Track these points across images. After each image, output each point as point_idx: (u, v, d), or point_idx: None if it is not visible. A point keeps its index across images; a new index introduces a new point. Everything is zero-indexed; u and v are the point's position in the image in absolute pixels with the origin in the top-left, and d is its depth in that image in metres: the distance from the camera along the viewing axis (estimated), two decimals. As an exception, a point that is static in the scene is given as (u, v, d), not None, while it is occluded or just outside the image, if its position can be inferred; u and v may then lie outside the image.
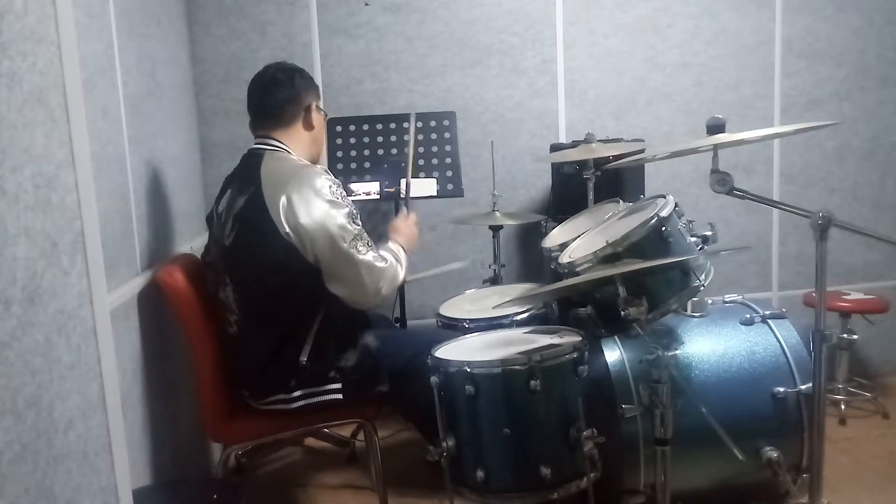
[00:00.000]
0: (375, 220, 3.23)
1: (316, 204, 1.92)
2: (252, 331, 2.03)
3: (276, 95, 2.10)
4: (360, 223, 2.01)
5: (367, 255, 1.97)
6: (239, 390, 2.10)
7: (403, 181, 2.65)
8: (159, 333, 2.10)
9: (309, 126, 2.14)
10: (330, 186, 1.96)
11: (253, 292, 2.01)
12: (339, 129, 2.90)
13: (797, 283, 3.34)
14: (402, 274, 2.10)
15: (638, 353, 1.94)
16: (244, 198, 1.99)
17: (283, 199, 1.92)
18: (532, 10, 3.15)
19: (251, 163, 2.05)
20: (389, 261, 2.05)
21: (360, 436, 2.74)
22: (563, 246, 2.15)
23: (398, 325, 2.85)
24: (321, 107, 2.21)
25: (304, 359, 1.98)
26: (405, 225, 2.31)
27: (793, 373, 2.02)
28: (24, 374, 0.87)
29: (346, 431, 2.81)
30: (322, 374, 2.02)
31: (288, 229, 1.91)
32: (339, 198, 1.98)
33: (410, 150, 2.63)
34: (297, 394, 2.01)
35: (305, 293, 1.99)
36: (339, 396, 2.02)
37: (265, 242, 1.93)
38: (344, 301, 2.00)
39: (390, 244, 2.18)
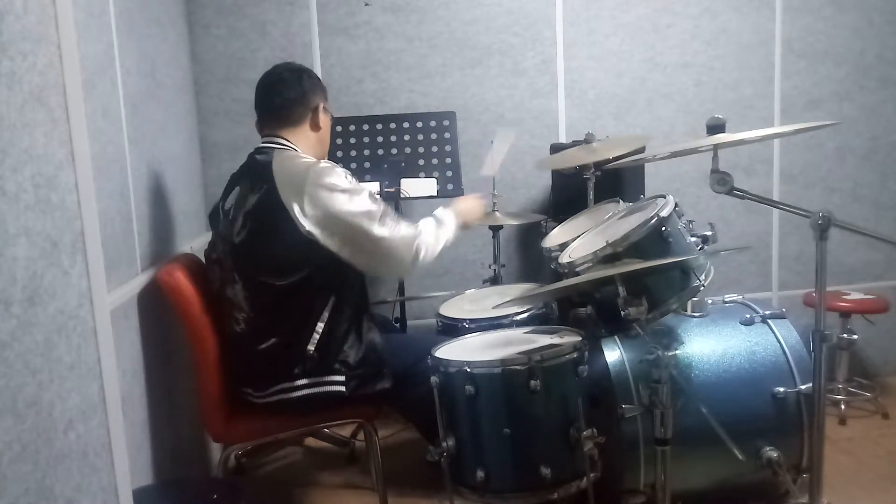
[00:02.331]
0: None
1: (335, 198, 1.94)
2: (262, 327, 2.02)
3: (284, 95, 2.11)
4: (382, 201, 2.04)
5: (398, 229, 2.00)
6: (240, 389, 2.09)
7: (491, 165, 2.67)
8: (159, 333, 2.10)
9: (316, 126, 2.15)
10: (345, 176, 1.99)
11: (264, 289, 2.01)
12: (339, 128, 2.90)
13: (797, 283, 3.34)
14: (445, 238, 2.13)
15: (638, 353, 1.94)
16: (256, 196, 1.99)
17: (304, 200, 1.93)
18: (532, 10, 3.16)
19: (260, 161, 2.04)
20: (421, 227, 2.07)
21: (360, 436, 2.74)
22: (563, 246, 2.15)
23: (398, 324, 2.85)
24: (328, 107, 2.22)
25: (311, 348, 1.99)
26: (471, 200, 2.36)
27: (793, 373, 2.02)
28: (24, 374, 0.87)
29: (346, 431, 2.81)
30: (327, 365, 2.01)
31: (310, 227, 1.93)
32: (356, 184, 2.00)
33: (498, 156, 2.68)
34: (300, 382, 2.00)
35: (317, 287, 2.00)
36: (342, 389, 2.01)
37: (281, 239, 1.94)
38: (388, 275, 2.01)
39: (440, 209, 2.21)
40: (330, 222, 1.93)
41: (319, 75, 3.03)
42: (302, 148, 2.11)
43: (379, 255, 1.99)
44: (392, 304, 2.90)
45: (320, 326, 2.00)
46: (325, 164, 2.02)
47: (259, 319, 2.03)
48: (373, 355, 2.05)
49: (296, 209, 1.93)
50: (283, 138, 2.10)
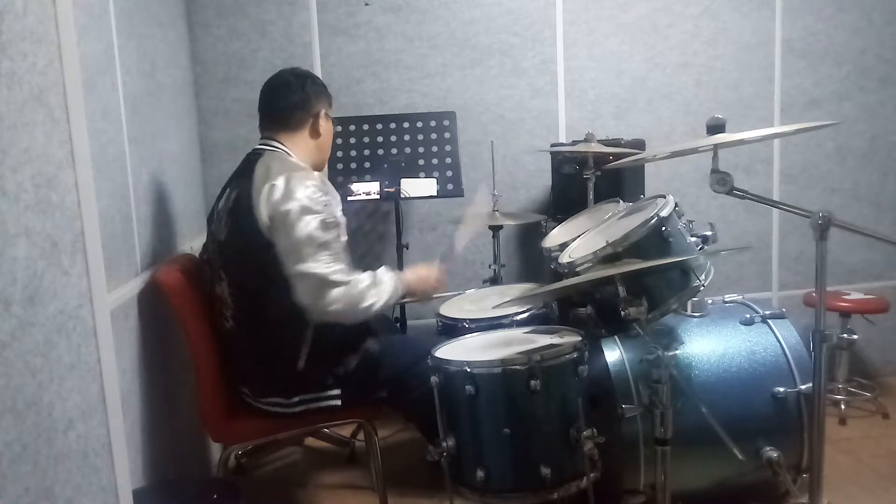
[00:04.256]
0: (375, 220, 3.23)
1: (290, 207, 1.90)
2: (246, 325, 2.02)
3: (287, 98, 2.11)
4: (335, 234, 1.95)
5: (327, 267, 1.90)
6: (238, 388, 2.09)
7: (457, 241, 2.47)
8: (159, 333, 2.10)
9: (315, 133, 2.14)
10: (313, 193, 1.94)
11: (245, 286, 2.01)
12: (339, 128, 2.90)
13: (797, 283, 3.34)
14: (372, 301, 1.96)
15: (638, 353, 1.94)
16: (236, 192, 2.01)
17: (266, 187, 1.92)
18: (532, 10, 3.15)
19: (250, 160, 2.06)
20: (355, 280, 1.94)
21: (360, 436, 2.74)
22: (563, 246, 2.15)
23: (398, 324, 2.85)
24: (330, 115, 2.20)
25: (301, 364, 1.98)
26: (426, 270, 2.19)
27: (793, 373, 2.02)
28: (24, 374, 0.87)
29: (346, 431, 2.81)
30: (320, 381, 2.01)
31: (265, 217, 1.90)
32: (319, 206, 1.93)
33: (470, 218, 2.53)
34: (295, 399, 2.01)
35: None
36: (338, 403, 2.02)
37: (249, 236, 1.94)
38: (301, 305, 1.93)
39: (391, 272, 2.07)
40: (275, 222, 1.90)
41: (319, 75, 3.06)
42: (298, 153, 2.10)
43: (295, 280, 1.92)
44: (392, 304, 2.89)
45: (308, 341, 1.98)
46: (303, 173, 1.98)
47: (245, 316, 2.02)
48: (367, 365, 2.03)
49: (259, 202, 1.92)
50: (278, 141, 2.09)
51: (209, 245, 2.13)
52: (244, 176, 2.01)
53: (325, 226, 1.93)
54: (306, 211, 1.91)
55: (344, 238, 2.03)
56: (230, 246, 2.02)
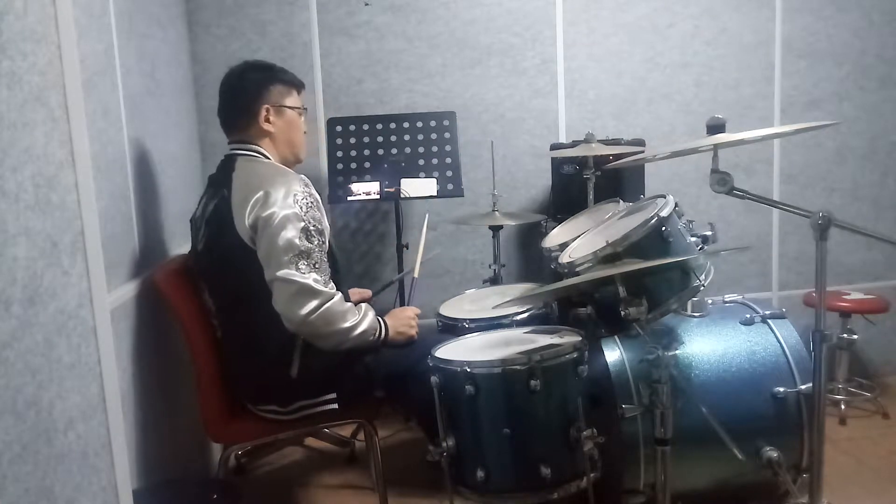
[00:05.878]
0: (375, 220, 3.23)
1: (276, 208, 1.87)
2: (234, 335, 2.02)
3: (231, 104, 2.07)
4: (317, 243, 1.91)
5: (303, 276, 1.86)
6: (235, 392, 2.09)
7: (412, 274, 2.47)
8: (159, 333, 2.10)
9: (266, 131, 2.05)
10: (296, 195, 1.90)
11: (227, 298, 2.00)
12: (339, 129, 2.90)
13: (797, 283, 3.34)
14: (352, 323, 1.91)
15: (638, 353, 1.94)
16: (214, 202, 1.98)
17: (253, 198, 1.88)
18: (532, 10, 3.16)
19: (226, 168, 2.03)
20: (338, 297, 1.90)
21: (360, 436, 2.74)
22: (563, 246, 2.15)
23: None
24: (287, 104, 2.08)
25: (293, 373, 1.96)
26: (400, 310, 2.17)
27: (793, 373, 2.02)
28: (24, 374, 0.87)
29: (346, 431, 2.81)
30: (315, 387, 1.99)
31: (248, 226, 1.87)
32: (304, 208, 1.91)
33: (420, 248, 2.55)
34: (293, 407, 2.00)
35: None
36: (335, 406, 2.01)
37: (227, 248, 1.92)
38: (280, 313, 1.88)
39: (366, 307, 2.01)
40: (258, 228, 1.87)
41: (319, 75, 3.08)
42: (267, 150, 2.06)
43: (272, 286, 1.88)
44: (394, 299, 2.90)
45: (298, 349, 1.96)
46: (286, 176, 1.95)
47: (230, 326, 2.02)
48: (361, 368, 2.01)
49: (240, 216, 1.89)
50: (248, 143, 2.05)
51: (191, 252, 2.12)
52: (222, 185, 1.98)
53: (308, 234, 1.89)
54: (290, 218, 1.87)
55: (326, 246, 1.97)
56: (208, 256, 2.01)
